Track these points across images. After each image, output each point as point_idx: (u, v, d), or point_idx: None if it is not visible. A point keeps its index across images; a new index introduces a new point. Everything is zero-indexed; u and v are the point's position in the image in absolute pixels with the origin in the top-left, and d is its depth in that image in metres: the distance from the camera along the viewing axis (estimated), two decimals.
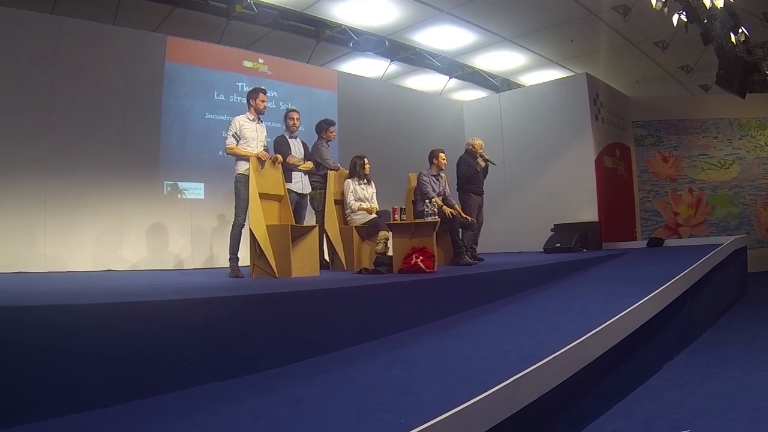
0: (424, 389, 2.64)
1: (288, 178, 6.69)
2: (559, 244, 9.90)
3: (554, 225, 10.66)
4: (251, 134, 6.20)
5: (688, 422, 3.43)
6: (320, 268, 6.41)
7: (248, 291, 3.97)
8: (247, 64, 9.67)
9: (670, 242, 11.08)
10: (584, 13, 10.49)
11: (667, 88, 14.76)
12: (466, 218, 7.55)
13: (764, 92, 13.15)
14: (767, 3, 10.10)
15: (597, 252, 9.57)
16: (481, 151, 8.25)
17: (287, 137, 6.97)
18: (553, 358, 2.93)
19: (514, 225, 11.70)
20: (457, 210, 7.62)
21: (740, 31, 9.80)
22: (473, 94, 14.60)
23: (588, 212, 10.98)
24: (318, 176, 7.40)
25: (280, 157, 6.33)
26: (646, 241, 11.18)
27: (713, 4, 8.84)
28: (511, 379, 2.59)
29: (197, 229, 8.75)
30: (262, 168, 6.01)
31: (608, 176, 11.79)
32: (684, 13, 8.94)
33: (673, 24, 9.12)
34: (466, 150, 8.29)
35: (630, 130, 13.11)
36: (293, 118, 7.04)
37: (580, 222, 10.63)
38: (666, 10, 8.71)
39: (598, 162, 11.39)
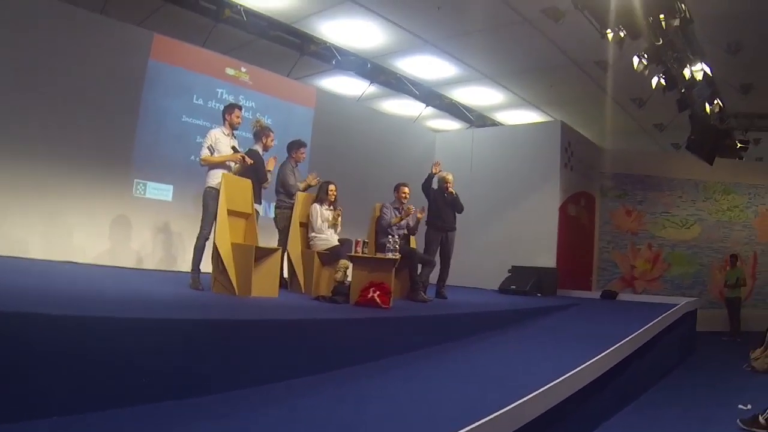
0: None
1: (258, 199, 6.68)
2: (514, 287, 10.00)
3: (512, 266, 10.76)
4: (225, 149, 6.26)
5: None
6: (279, 287, 6.41)
7: (205, 314, 4.01)
8: (230, 71, 9.64)
9: (624, 296, 11.27)
10: (567, 63, 10.69)
11: (640, 142, 15.04)
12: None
13: (732, 158, 13.42)
14: (746, 75, 10.41)
15: (550, 299, 9.70)
16: (447, 185, 8.16)
17: (260, 151, 6.95)
18: (492, 418, 2.97)
19: (473, 261, 11.47)
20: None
21: (715, 102, 10.05)
22: (447, 124, 14.77)
23: (546, 257, 11.13)
24: (282, 194, 7.42)
25: (248, 158, 6.33)
26: (599, 292, 11.35)
27: (693, 75, 9.05)
28: None
29: (161, 230, 8.70)
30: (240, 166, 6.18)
31: (570, 224, 11.98)
32: (663, 77, 9.11)
33: (651, 85, 9.31)
34: (438, 185, 8.27)
35: (597, 181, 13.37)
36: (270, 137, 7.03)
37: (538, 267, 10.74)
38: (647, 72, 8.89)
39: (563, 209, 11.57)
